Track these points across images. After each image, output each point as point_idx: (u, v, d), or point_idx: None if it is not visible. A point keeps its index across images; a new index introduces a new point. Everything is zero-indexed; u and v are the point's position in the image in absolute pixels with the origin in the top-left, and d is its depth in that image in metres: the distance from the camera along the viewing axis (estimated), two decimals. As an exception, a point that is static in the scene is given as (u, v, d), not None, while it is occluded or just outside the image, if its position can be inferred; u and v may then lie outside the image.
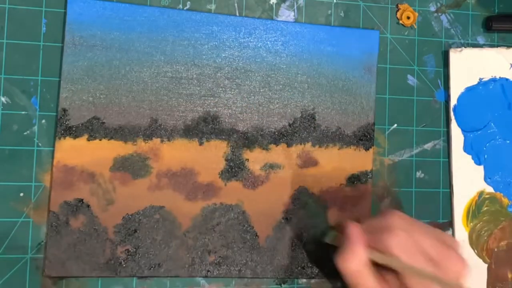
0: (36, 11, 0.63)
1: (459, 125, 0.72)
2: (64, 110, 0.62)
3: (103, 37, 0.63)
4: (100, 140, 0.63)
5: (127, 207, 0.63)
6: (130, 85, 0.64)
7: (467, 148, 0.72)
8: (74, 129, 0.62)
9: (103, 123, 0.63)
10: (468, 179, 0.72)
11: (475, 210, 0.71)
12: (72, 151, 0.62)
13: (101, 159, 0.63)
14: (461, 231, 0.71)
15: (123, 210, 0.63)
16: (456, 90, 0.72)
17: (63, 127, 0.62)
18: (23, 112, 0.62)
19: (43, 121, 0.62)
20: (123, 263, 0.63)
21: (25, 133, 0.62)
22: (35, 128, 0.62)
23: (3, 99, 0.61)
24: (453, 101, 0.72)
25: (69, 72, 0.62)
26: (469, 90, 0.72)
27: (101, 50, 0.63)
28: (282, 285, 0.67)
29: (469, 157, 0.72)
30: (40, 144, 0.62)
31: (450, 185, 0.72)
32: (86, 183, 0.62)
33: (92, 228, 0.62)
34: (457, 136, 0.72)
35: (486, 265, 0.71)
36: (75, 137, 0.62)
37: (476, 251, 0.71)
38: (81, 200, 0.62)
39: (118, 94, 0.64)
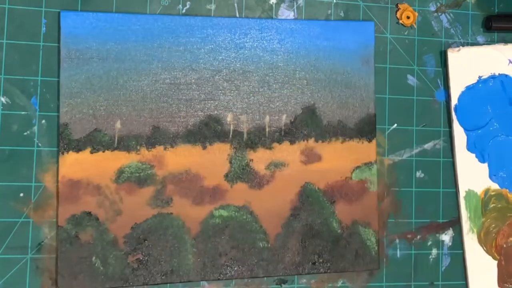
0: (36, 11, 0.63)
1: (461, 124, 0.72)
2: (65, 124, 0.62)
3: (99, 49, 0.63)
4: (103, 152, 0.63)
5: (135, 216, 0.63)
6: (129, 94, 0.64)
7: (471, 147, 0.72)
8: (76, 142, 0.62)
9: (105, 134, 0.63)
10: (473, 178, 0.72)
11: (482, 208, 0.72)
12: (76, 165, 0.62)
13: (106, 171, 0.63)
14: (469, 229, 0.71)
15: (131, 219, 0.63)
16: (456, 90, 0.72)
17: (66, 142, 0.62)
18: (23, 112, 0.62)
19: (43, 121, 0.62)
20: (135, 272, 0.63)
21: (25, 133, 0.62)
22: (35, 128, 0.62)
23: (3, 99, 0.61)
24: (454, 101, 0.72)
25: (68, 86, 0.62)
26: (469, 89, 0.72)
27: (98, 62, 0.63)
28: (282, 285, 0.67)
29: (473, 155, 0.72)
30: (40, 144, 0.62)
31: (455, 185, 0.72)
32: (92, 196, 0.63)
33: (102, 240, 0.62)
34: (459, 135, 0.72)
35: (495, 262, 0.72)
36: (78, 150, 0.62)
37: (485, 248, 0.71)
38: (89, 213, 0.62)
39: (118, 104, 0.63)
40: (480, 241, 0.71)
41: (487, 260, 0.72)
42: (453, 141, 0.72)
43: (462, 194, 0.72)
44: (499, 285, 0.71)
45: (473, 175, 0.72)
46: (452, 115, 0.72)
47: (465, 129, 0.72)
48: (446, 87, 0.73)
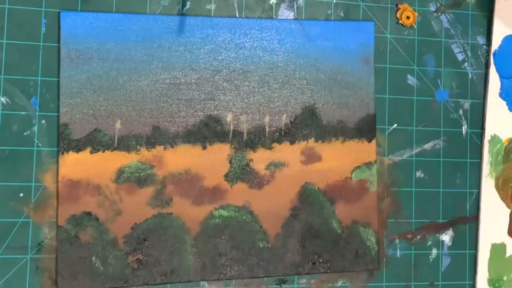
0: (36, 11, 0.63)
1: (497, 70, 0.72)
2: (65, 124, 0.62)
3: (99, 49, 0.63)
4: (103, 152, 0.63)
5: (135, 216, 0.63)
6: (129, 94, 0.64)
7: (503, 94, 0.72)
8: (76, 142, 0.62)
9: (105, 134, 0.63)
10: (500, 124, 0.73)
11: (505, 155, 0.72)
12: (76, 165, 0.62)
13: (106, 171, 0.63)
14: (488, 173, 0.72)
15: (131, 219, 0.63)
16: (498, 36, 0.73)
17: (66, 142, 0.62)
18: (23, 112, 0.62)
19: (43, 121, 0.62)
20: (135, 272, 0.63)
21: (25, 133, 0.62)
22: (35, 128, 0.62)
23: (3, 99, 0.61)
24: (494, 46, 0.72)
25: (67, 86, 0.62)
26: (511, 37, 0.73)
27: (98, 62, 0.63)
28: (282, 285, 0.67)
29: (504, 103, 0.73)
30: (40, 144, 0.62)
31: (482, 128, 0.72)
32: (92, 196, 0.63)
33: (102, 240, 0.62)
34: (494, 81, 0.72)
35: (509, 211, 0.72)
36: (78, 150, 0.62)
37: (501, 195, 0.72)
38: (89, 213, 0.62)
39: (118, 104, 0.63)
40: (498, 187, 0.72)
41: (501, 207, 0.72)
42: (486, 86, 0.73)
43: (487, 137, 0.72)
44: (509, 234, 0.72)
45: (501, 122, 0.73)
46: (490, 60, 0.73)
47: (501, 76, 0.73)
48: (489, 32, 0.73)
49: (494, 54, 0.72)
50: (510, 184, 0.72)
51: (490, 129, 0.72)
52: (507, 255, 0.72)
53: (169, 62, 0.65)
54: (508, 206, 0.72)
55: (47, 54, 0.63)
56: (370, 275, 0.69)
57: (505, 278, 0.72)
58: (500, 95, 0.72)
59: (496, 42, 0.73)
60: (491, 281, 0.72)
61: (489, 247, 0.72)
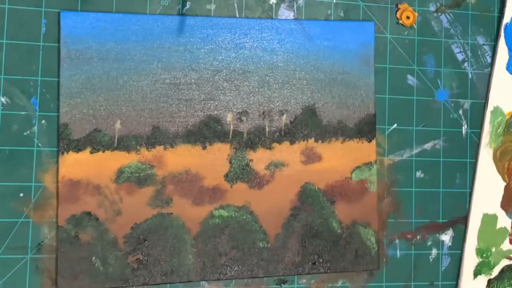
0: (36, 11, 0.63)
1: (507, 43, 0.73)
2: (65, 124, 0.62)
3: (99, 49, 0.63)
4: (103, 152, 0.63)
5: (135, 216, 0.64)
6: (129, 94, 0.64)
7: (510, 67, 0.73)
8: (76, 142, 0.62)
9: (105, 134, 0.63)
10: (504, 97, 0.73)
11: (505, 127, 0.72)
12: (76, 165, 0.62)
13: (106, 171, 0.63)
14: (487, 143, 0.72)
15: (131, 219, 0.63)
16: (511, 8, 0.73)
17: (66, 142, 0.62)
18: (23, 112, 0.62)
19: (43, 121, 0.62)
20: (135, 272, 0.63)
21: (25, 133, 0.62)
22: (35, 128, 0.62)
23: (3, 99, 0.62)
24: (506, 19, 0.73)
25: (68, 86, 0.62)
26: None
27: (98, 62, 0.63)
28: (282, 285, 0.67)
29: (510, 76, 0.73)
30: (40, 144, 0.62)
31: (486, 100, 0.73)
32: (92, 196, 0.63)
33: (102, 240, 0.62)
34: (502, 54, 0.73)
35: (503, 184, 0.72)
36: (78, 150, 0.62)
37: (497, 167, 0.72)
38: (89, 213, 0.62)
39: (118, 104, 0.63)
40: (495, 159, 0.72)
41: (496, 179, 0.72)
42: (494, 58, 0.73)
43: (490, 108, 0.72)
44: (501, 207, 0.72)
45: (505, 95, 0.73)
46: (501, 32, 0.73)
47: (509, 50, 0.73)
48: (503, 4, 0.74)
49: (506, 27, 0.73)
50: (508, 157, 0.72)
51: (494, 100, 0.72)
52: (498, 226, 0.72)
53: (169, 62, 0.65)
54: (503, 179, 0.72)
55: (47, 54, 0.63)
56: (370, 275, 0.69)
57: (493, 250, 0.72)
58: (507, 68, 0.73)
59: (508, 15, 0.73)
60: (479, 251, 0.72)
61: (480, 217, 0.72)
